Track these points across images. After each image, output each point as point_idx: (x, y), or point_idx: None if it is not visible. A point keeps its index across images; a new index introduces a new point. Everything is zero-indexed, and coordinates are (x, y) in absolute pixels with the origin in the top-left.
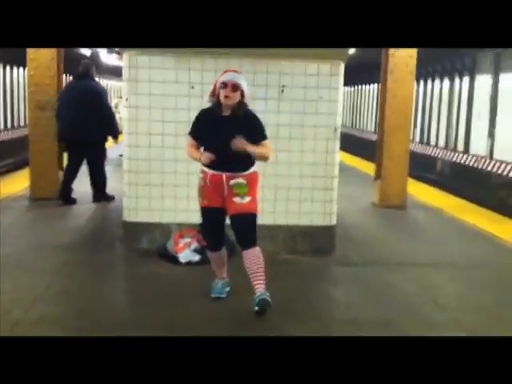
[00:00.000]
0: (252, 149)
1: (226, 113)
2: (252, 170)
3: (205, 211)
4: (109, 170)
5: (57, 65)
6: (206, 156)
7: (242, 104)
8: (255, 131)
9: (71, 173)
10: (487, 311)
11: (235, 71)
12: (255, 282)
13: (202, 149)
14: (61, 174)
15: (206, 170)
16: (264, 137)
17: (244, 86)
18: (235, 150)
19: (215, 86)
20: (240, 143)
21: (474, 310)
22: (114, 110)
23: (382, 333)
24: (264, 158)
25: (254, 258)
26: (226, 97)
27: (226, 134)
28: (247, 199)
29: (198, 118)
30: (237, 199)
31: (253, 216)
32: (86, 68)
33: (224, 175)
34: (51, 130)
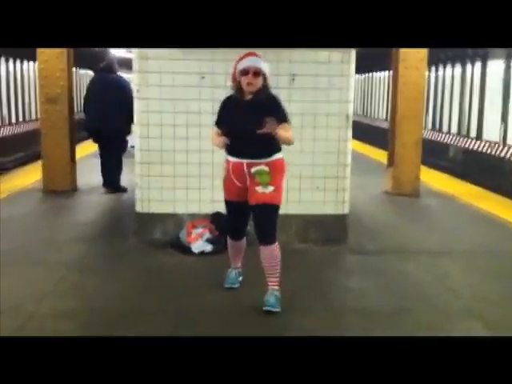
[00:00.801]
0: (281, 132)
1: (248, 97)
2: (276, 156)
3: (226, 203)
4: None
5: (67, 58)
6: (220, 140)
7: (265, 88)
8: (276, 113)
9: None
10: (502, 299)
11: (255, 54)
12: (269, 279)
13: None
14: (73, 166)
15: (229, 158)
16: (285, 119)
17: (266, 69)
18: (264, 132)
19: (235, 70)
20: (271, 126)
21: (488, 298)
22: None
23: (395, 321)
24: (289, 142)
25: (272, 255)
26: (249, 84)
27: (247, 118)
28: (270, 189)
29: (221, 106)
30: (259, 188)
31: (275, 208)
32: (110, 62)
33: (245, 163)
34: (62, 123)
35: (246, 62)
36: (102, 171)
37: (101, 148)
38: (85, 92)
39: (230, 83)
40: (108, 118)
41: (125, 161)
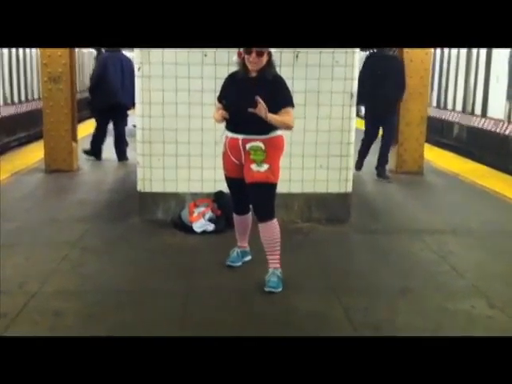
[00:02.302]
0: (270, 117)
1: (253, 74)
2: (274, 133)
3: (226, 179)
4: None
5: None
6: (219, 113)
7: (269, 66)
8: (279, 95)
9: (104, 134)
10: (507, 278)
11: None
12: (269, 258)
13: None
14: (74, 145)
15: (227, 133)
16: (287, 103)
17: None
18: (253, 112)
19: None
20: (260, 108)
21: (493, 277)
22: None
23: (399, 301)
24: (286, 127)
25: (269, 232)
26: (252, 62)
27: (248, 95)
28: (265, 167)
29: (225, 82)
30: (253, 166)
31: (270, 186)
32: None
33: (241, 138)
34: (64, 102)
35: None
36: (119, 145)
37: (116, 123)
38: (94, 70)
39: (235, 58)
40: (126, 93)
41: (128, 140)
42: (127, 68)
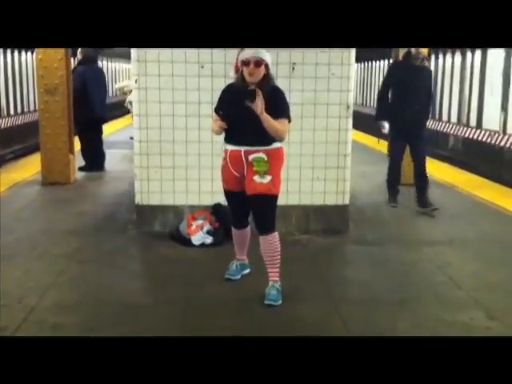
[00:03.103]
0: (265, 116)
1: (252, 87)
2: (275, 145)
3: (226, 193)
4: (119, 153)
5: (65, 48)
6: (217, 124)
7: (267, 77)
8: (276, 105)
9: (92, 146)
10: (504, 288)
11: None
12: (269, 270)
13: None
14: (71, 157)
15: (227, 146)
16: (283, 114)
17: (267, 58)
18: (250, 105)
19: (237, 60)
20: (258, 103)
21: (490, 288)
22: (118, 93)
23: (397, 312)
24: (277, 134)
25: (270, 244)
26: (250, 74)
27: (246, 106)
28: (268, 178)
29: (222, 93)
30: (256, 178)
31: (272, 198)
32: (94, 53)
33: (243, 150)
34: (61, 114)
35: (248, 53)
36: (100, 156)
37: (97, 135)
38: (74, 84)
39: (232, 73)
40: (106, 104)
41: (125, 152)
42: (103, 81)
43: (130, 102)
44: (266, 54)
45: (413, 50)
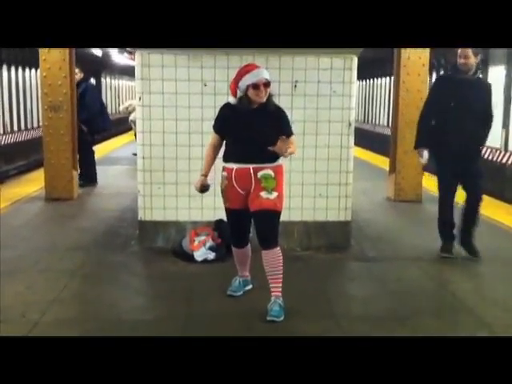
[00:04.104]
0: (291, 150)
1: (254, 106)
2: (279, 161)
3: (228, 212)
4: (122, 169)
5: (69, 66)
6: (200, 182)
7: (270, 96)
8: (283, 126)
9: (93, 159)
10: (506, 305)
11: (256, 66)
12: (272, 285)
13: (224, 142)
14: (75, 173)
15: (231, 165)
16: (291, 132)
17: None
18: (274, 149)
19: (236, 84)
20: (283, 145)
21: (492, 305)
22: (124, 111)
23: (399, 329)
24: (294, 152)
25: (273, 259)
26: (261, 96)
27: (252, 125)
28: (274, 195)
29: (222, 113)
30: (263, 193)
31: (278, 214)
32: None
33: (251, 167)
34: (65, 131)
35: (255, 76)
36: (92, 170)
37: (92, 147)
38: (88, 101)
39: (231, 98)
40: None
41: (128, 168)
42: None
43: (133, 121)
44: (267, 73)
45: (460, 59)
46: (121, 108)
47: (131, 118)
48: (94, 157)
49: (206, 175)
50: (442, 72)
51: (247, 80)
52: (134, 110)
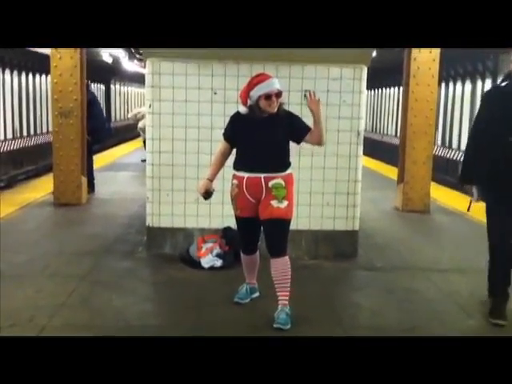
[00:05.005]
0: (320, 115)
1: (265, 114)
2: (289, 170)
3: (238, 220)
4: (128, 175)
5: (80, 72)
6: (203, 184)
7: (281, 104)
8: (299, 124)
9: (91, 166)
10: None
11: (267, 76)
12: (279, 293)
13: (234, 150)
14: (84, 179)
15: (242, 173)
16: (309, 127)
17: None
18: (312, 104)
19: (245, 94)
20: (313, 101)
21: None
22: (133, 118)
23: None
24: (323, 137)
25: (281, 268)
26: (272, 106)
27: (265, 135)
28: (284, 204)
29: (232, 121)
30: (274, 202)
31: (287, 223)
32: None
33: (262, 176)
34: (74, 137)
35: (268, 86)
36: (92, 176)
37: (91, 156)
38: (98, 109)
39: (242, 108)
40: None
41: (136, 175)
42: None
43: (142, 129)
44: (279, 83)
45: None
46: (129, 115)
47: (140, 125)
48: (92, 166)
49: (211, 180)
50: (451, 82)
51: (259, 90)
52: (142, 117)
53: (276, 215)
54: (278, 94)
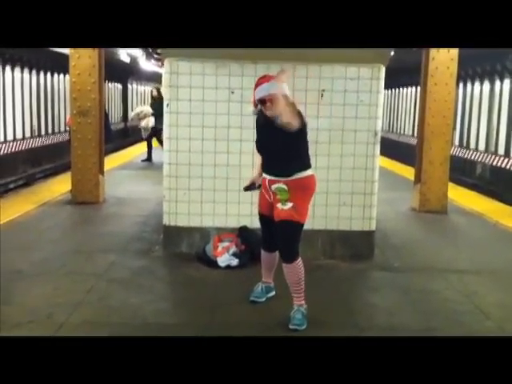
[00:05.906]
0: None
1: (271, 118)
2: (298, 175)
3: (259, 216)
4: (144, 174)
5: (98, 71)
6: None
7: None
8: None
9: None
10: None
11: (267, 79)
12: (294, 295)
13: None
14: (101, 178)
15: (263, 173)
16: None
17: (282, 89)
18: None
19: (254, 97)
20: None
21: None
22: (136, 117)
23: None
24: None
25: (292, 273)
26: (268, 111)
27: (269, 139)
28: (288, 205)
29: (256, 121)
30: (279, 205)
31: (294, 225)
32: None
33: (267, 179)
34: (92, 136)
35: (261, 91)
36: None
37: None
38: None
39: (252, 109)
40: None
41: (153, 173)
42: None
43: (144, 128)
44: (280, 86)
45: None
46: (132, 114)
47: (142, 124)
48: None
49: (259, 174)
50: (469, 82)
51: (256, 94)
52: (144, 116)
53: (282, 217)
54: (271, 100)
